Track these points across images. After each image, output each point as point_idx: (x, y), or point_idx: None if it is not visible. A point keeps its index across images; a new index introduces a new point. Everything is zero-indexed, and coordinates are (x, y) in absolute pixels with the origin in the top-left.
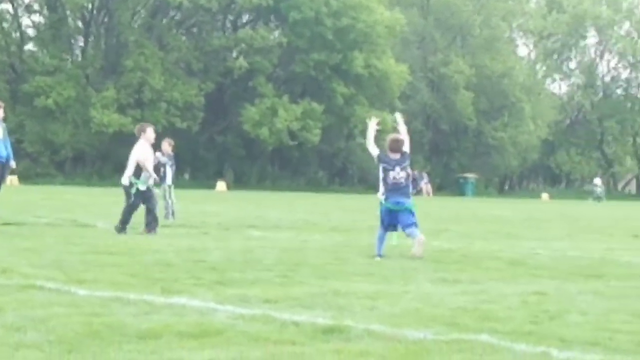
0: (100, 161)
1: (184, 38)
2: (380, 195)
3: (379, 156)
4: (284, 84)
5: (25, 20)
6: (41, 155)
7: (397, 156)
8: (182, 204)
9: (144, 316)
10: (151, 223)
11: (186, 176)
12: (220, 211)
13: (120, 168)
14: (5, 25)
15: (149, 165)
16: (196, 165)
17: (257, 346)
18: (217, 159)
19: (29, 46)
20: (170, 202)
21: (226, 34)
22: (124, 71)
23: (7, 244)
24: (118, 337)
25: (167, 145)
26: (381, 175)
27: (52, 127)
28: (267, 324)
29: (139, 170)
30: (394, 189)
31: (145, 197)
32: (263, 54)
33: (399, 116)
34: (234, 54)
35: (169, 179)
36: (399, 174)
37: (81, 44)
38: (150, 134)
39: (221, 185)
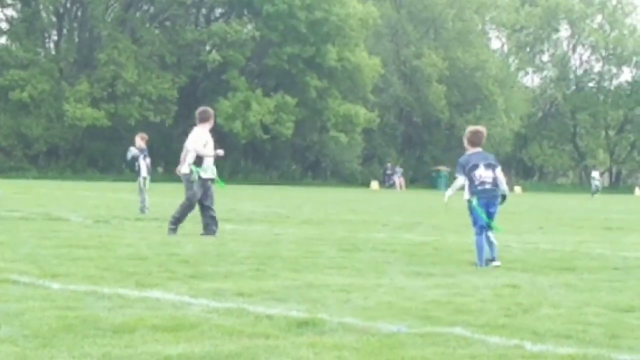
0: (73, 155)
1: (157, 31)
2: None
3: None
4: (257, 77)
5: None
6: (15, 149)
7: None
8: (156, 197)
9: (118, 310)
10: (209, 225)
11: (160, 169)
12: None
13: (93, 162)
14: None
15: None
16: (170, 159)
17: (232, 340)
18: None
19: (2, 40)
20: (145, 195)
21: (199, 28)
22: (97, 65)
23: None
24: (92, 331)
25: (139, 139)
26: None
27: (25, 120)
28: (241, 318)
29: (199, 158)
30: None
31: (205, 187)
32: (236, 48)
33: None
34: (207, 48)
35: (144, 172)
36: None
37: (55, 37)
38: (212, 121)
39: None
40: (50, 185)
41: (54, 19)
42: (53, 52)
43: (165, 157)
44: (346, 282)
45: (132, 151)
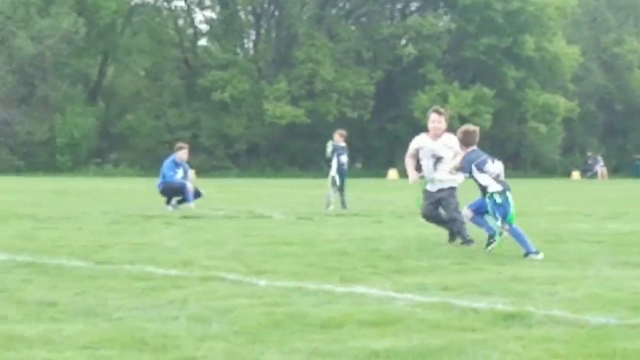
0: (273, 153)
1: (353, 28)
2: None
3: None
4: (453, 69)
5: (198, 16)
6: (216, 149)
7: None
8: (356, 193)
9: (324, 305)
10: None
11: (358, 165)
12: (392, 199)
13: (293, 159)
14: (179, 22)
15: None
16: (368, 154)
17: (438, 334)
18: (388, 147)
19: (203, 41)
20: (332, 192)
21: (395, 22)
22: (295, 63)
23: (187, 237)
24: (300, 327)
25: (338, 137)
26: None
27: (226, 120)
28: (446, 312)
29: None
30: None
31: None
32: (432, 41)
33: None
34: (403, 42)
35: (333, 170)
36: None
37: (253, 37)
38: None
39: (393, 173)
40: (251, 183)
41: (251, 19)
42: (251, 52)
43: (364, 153)
44: (551, 274)
45: (329, 146)
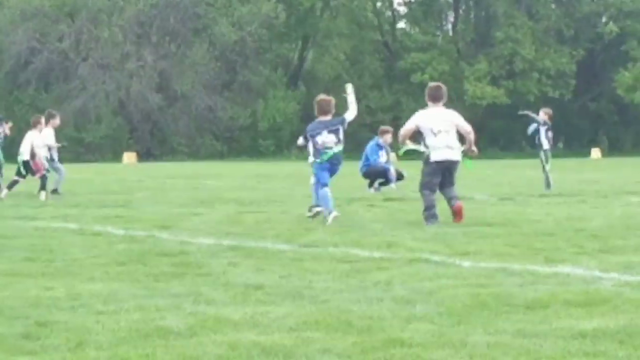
0: (475, 134)
1: (553, 6)
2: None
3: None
4: None
5: None
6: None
7: (327, 118)
8: (558, 173)
9: (529, 286)
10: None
11: (560, 145)
12: (596, 178)
13: (494, 140)
14: (378, 4)
15: None
16: (570, 134)
17: None
18: (591, 126)
19: (402, 24)
20: (547, 170)
21: (595, 0)
22: (494, 43)
23: (390, 219)
24: (505, 308)
25: (543, 114)
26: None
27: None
28: None
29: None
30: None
31: None
32: (634, 17)
33: (349, 87)
34: (604, 19)
35: (545, 145)
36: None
37: (451, 19)
38: None
39: (596, 152)
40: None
41: (450, 0)
42: (450, 33)
43: (566, 132)
44: None
45: (532, 116)
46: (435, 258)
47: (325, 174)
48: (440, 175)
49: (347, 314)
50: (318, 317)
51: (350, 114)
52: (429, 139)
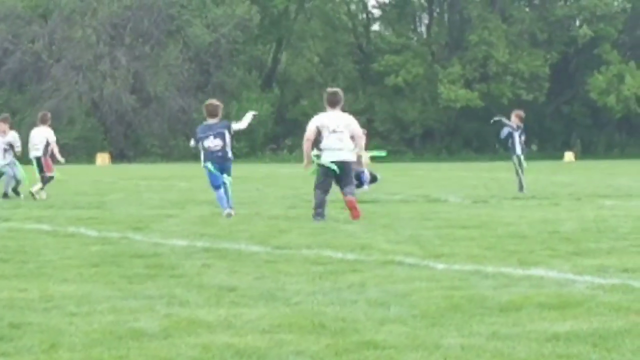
0: (448, 136)
1: (527, 9)
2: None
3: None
4: (629, 49)
5: (371, 1)
6: (391, 133)
7: (214, 121)
8: (532, 175)
9: (503, 288)
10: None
11: (534, 147)
12: (570, 181)
13: (468, 143)
14: (352, 7)
15: None
16: (543, 137)
17: (619, 316)
18: (564, 129)
19: (376, 26)
20: (521, 174)
21: (569, 3)
22: (468, 46)
23: (364, 221)
24: (479, 310)
25: (515, 117)
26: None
27: (401, 105)
28: (627, 294)
29: None
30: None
31: None
32: (607, 21)
33: (251, 115)
34: (578, 23)
35: (518, 149)
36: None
37: (426, 21)
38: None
39: (569, 155)
40: (426, 167)
41: (424, 2)
42: (424, 36)
43: (539, 135)
44: None
45: (505, 122)
46: (409, 260)
47: (215, 177)
48: (333, 176)
49: (321, 316)
50: (291, 319)
51: (239, 125)
52: (325, 140)
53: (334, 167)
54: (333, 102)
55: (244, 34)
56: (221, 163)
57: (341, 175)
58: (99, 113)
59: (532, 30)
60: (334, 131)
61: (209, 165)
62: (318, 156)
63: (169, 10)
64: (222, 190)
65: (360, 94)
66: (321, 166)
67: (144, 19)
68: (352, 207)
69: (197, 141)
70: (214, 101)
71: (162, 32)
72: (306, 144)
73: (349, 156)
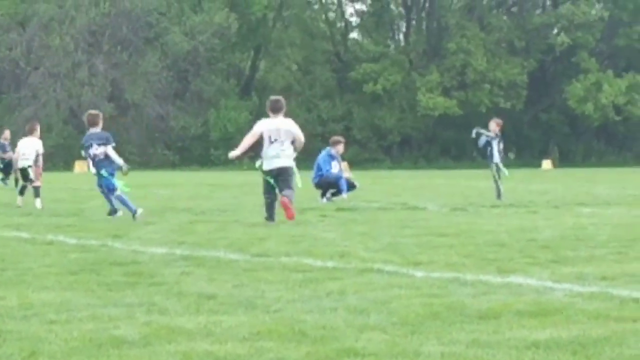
0: (426, 144)
1: (505, 17)
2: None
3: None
4: (607, 58)
5: (349, 9)
6: (369, 141)
7: (96, 130)
8: (510, 183)
9: (482, 296)
10: None
11: (511, 155)
12: (548, 189)
13: (446, 150)
14: (330, 15)
15: None
16: (521, 145)
17: (598, 324)
18: (542, 137)
19: (354, 34)
20: (499, 181)
21: (546, 12)
22: (446, 54)
23: (343, 229)
24: (459, 318)
25: (494, 125)
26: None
27: (379, 112)
28: (606, 302)
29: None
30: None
31: None
32: (585, 29)
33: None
34: (555, 31)
35: (496, 158)
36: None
37: (403, 29)
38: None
39: (547, 163)
40: (404, 175)
41: (402, 11)
42: (402, 44)
43: (517, 143)
44: None
45: (484, 133)
46: (388, 268)
47: (110, 182)
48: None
49: (301, 324)
50: (271, 327)
51: (111, 149)
52: (265, 149)
53: (270, 178)
54: (276, 109)
55: (222, 42)
56: (108, 166)
57: (279, 179)
58: (76, 121)
59: (510, 38)
60: (275, 140)
61: (103, 172)
62: (260, 165)
63: (147, 18)
64: (119, 193)
65: (338, 102)
66: (264, 173)
67: (122, 27)
68: (285, 207)
69: (84, 150)
70: (93, 111)
71: (140, 39)
72: (248, 139)
73: (287, 162)
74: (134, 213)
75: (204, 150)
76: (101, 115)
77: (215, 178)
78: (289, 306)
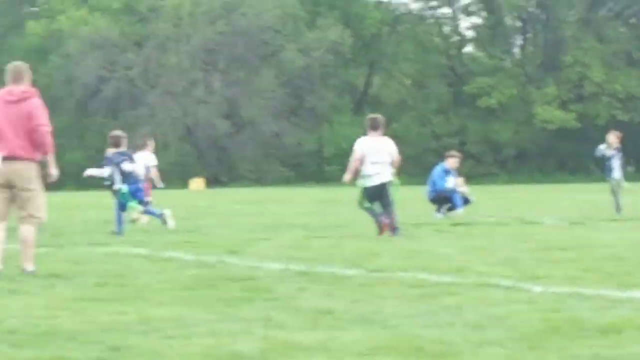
0: (542, 158)
1: (622, 29)
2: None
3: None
4: None
5: (463, 23)
6: (484, 155)
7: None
8: (629, 197)
9: (602, 311)
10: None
11: (631, 169)
12: None
13: (562, 164)
14: (444, 29)
15: None
16: None
17: None
18: None
19: (469, 48)
20: (618, 195)
21: None
22: (562, 67)
23: (459, 243)
24: (579, 332)
25: (614, 137)
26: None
27: (494, 126)
28: None
29: None
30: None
31: None
32: None
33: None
34: None
35: (616, 173)
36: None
37: (519, 42)
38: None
39: None
40: (520, 189)
41: (518, 23)
42: (518, 57)
43: (636, 156)
44: None
45: (602, 150)
46: (506, 283)
47: (127, 200)
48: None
49: (418, 339)
50: (389, 342)
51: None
52: (365, 168)
53: (369, 203)
54: (374, 127)
55: (337, 58)
56: (132, 184)
57: (380, 198)
58: (192, 138)
59: (628, 49)
60: (375, 162)
61: (125, 187)
62: (361, 184)
63: (262, 36)
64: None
65: (452, 116)
66: (364, 191)
67: (238, 44)
68: (386, 228)
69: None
70: (117, 132)
71: (256, 57)
72: (354, 163)
73: (387, 178)
74: (160, 216)
75: (317, 166)
76: (126, 136)
77: (329, 194)
78: (406, 321)
